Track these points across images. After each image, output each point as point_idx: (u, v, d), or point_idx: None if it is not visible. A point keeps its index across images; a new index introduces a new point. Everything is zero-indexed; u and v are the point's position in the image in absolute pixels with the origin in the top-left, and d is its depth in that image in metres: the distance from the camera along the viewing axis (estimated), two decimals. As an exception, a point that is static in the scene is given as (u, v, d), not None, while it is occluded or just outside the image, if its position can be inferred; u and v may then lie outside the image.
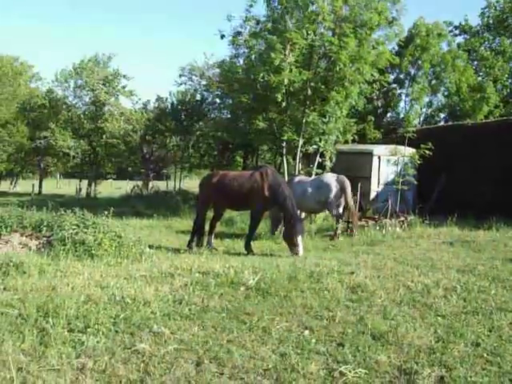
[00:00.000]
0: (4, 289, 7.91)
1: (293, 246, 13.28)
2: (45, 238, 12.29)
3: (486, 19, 36.78)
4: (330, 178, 16.84)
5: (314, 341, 6.07)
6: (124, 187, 45.13)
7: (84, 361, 5.32)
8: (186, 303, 7.20)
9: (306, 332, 6.37)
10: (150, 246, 12.96)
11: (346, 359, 5.58)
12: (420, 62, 29.44)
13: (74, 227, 11.66)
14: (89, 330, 6.07)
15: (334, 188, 16.10)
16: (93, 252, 10.95)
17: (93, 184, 42.01)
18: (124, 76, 41.47)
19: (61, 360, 5.31)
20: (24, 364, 5.21)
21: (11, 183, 54.94)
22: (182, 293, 7.66)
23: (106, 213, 12.96)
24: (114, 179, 62.14)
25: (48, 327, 6.08)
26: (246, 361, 5.48)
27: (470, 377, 5.20)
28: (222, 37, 21.80)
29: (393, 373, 5.32)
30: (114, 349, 5.64)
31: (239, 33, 21.33)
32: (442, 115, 34.93)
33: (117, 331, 6.15)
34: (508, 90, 33.95)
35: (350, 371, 5.26)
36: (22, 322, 6.30)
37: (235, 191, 14.38)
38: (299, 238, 13.37)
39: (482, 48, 35.12)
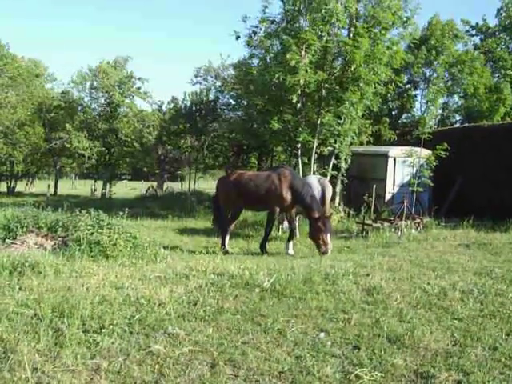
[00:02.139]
0: (20, 289, 7.92)
1: (322, 244, 13.41)
2: (60, 239, 12.36)
3: (502, 19, 36.49)
4: (313, 179, 17.07)
5: (329, 343, 6.03)
6: (139, 188, 45.30)
7: (99, 361, 5.31)
8: (201, 305, 7.17)
9: (322, 334, 6.32)
10: (165, 247, 12.95)
11: (361, 362, 5.53)
12: (435, 62, 29.24)
13: (89, 228, 11.70)
14: (103, 330, 6.06)
15: (315, 190, 16.03)
16: (108, 252, 10.99)
17: (108, 185, 42.12)
18: (139, 78, 41.68)
19: (76, 360, 5.31)
20: (39, 364, 5.20)
21: (27, 184, 55.24)
22: (196, 294, 7.63)
23: (120, 213, 12.98)
24: (128, 180, 62.40)
25: (63, 327, 6.07)
26: (260, 363, 5.45)
27: (488, 381, 5.13)
28: (238, 38, 21.81)
29: (409, 376, 5.26)
30: (128, 350, 5.63)
31: (254, 33, 21.34)
32: (458, 117, 34.75)
33: (131, 332, 6.14)
34: (525, 92, 33.63)
35: (365, 374, 5.21)
36: (37, 322, 6.29)
37: (252, 191, 14.41)
38: (328, 237, 13.53)
39: (499, 49, 34.82)
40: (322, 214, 13.97)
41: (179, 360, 5.44)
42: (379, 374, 5.22)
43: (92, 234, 11.50)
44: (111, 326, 6.17)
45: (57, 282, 8.24)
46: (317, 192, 15.92)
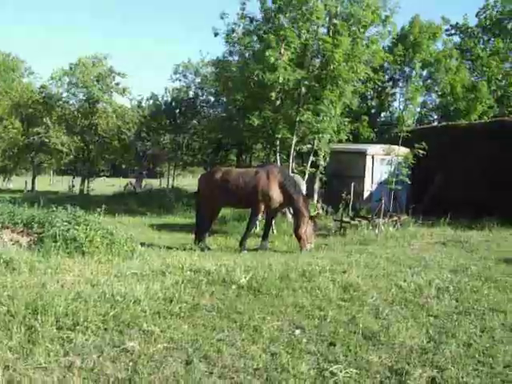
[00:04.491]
0: (-7, 285, 7.84)
1: (306, 242, 13.63)
2: (36, 235, 12.18)
3: (482, 20, 36.80)
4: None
5: (305, 340, 6.02)
6: (117, 185, 45.03)
7: (72, 359, 5.24)
8: (177, 301, 7.12)
9: (298, 331, 6.32)
10: (142, 244, 12.87)
11: (337, 359, 5.53)
12: (414, 61, 29.39)
13: (65, 224, 11.55)
14: (77, 327, 5.99)
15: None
16: (84, 249, 10.85)
17: (86, 181, 41.79)
18: (118, 74, 41.30)
19: (48, 358, 5.24)
20: (11, 362, 5.12)
21: (4, 180, 54.64)
22: (172, 291, 7.57)
23: (98, 210, 12.87)
24: (107, 177, 62.00)
25: (36, 324, 5.99)
26: (236, 360, 5.42)
27: (462, 377, 5.15)
28: (216, 35, 21.77)
29: (384, 373, 5.26)
30: (102, 347, 5.57)
31: (233, 30, 21.29)
32: (436, 115, 34.96)
33: (106, 329, 6.08)
34: (502, 91, 33.91)
35: (340, 371, 5.20)
36: (10, 319, 6.19)
37: (239, 189, 14.29)
38: (313, 236, 13.85)
39: (477, 48, 35.09)
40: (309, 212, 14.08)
41: (154, 357, 5.40)
42: (354, 371, 5.23)
43: (68, 230, 11.35)
44: (85, 323, 6.10)
45: (31, 279, 8.14)
46: None
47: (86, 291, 7.33)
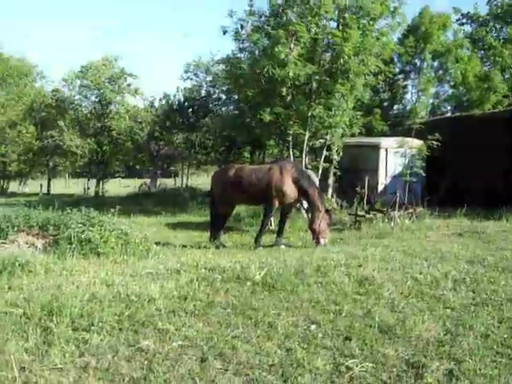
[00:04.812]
0: (9, 288, 7.88)
1: (321, 237, 13.65)
2: (51, 237, 12.25)
3: (493, 8, 36.45)
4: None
5: (320, 335, 5.98)
6: (132, 185, 45.20)
7: (87, 359, 5.25)
8: (191, 299, 7.12)
9: (313, 326, 6.28)
10: (157, 243, 12.92)
11: (352, 353, 5.48)
12: (425, 52, 29.18)
13: (79, 225, 11.61)
14: (93, 328, 6.00)
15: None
16: (99, 250, 10.93)
17: (101, 183, 41.97)
18: (130, 75, 41.42)
19: (64, 359, 5.25)
20: (27, 363, 5.15)
21: (20, 184, 55.01)
22: (187, 289, 7.57)
23: (112, 210, 12.91)
24: (122, 178, 62.22)
25: (52, 326, 6.02)
26: (251, 357, 5.40)
27: (480, 369, 5.09)
28: (225, 33, 21.79)
29: (400, 366, 5.22)
30: (117, 347, 5.57)
31: (242, 27, 21.28)
32: (449, 106, 34.74)
33: (121, 329, 6.08)
34: (516, 80, 33.61)
35: (356, 365, 5.17)
36: (26, 321, 6.24)
37: (253, 186, 14.26)
38: (328, 230, 13.91)
39: (489, 37, 34.74)
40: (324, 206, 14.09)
41: (168, 355, 5.39)
42: (370, 365, 5.19)
43: (83, 231, 11.42)
44: (100, 324, 6.12)
45: (47, 281, 8.20)
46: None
47: (101, 292, 7.35)
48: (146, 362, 5.22)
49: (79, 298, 6.89)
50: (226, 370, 5.10)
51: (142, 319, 6.33)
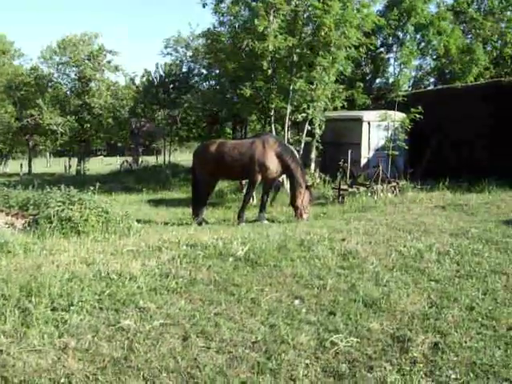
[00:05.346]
0: (-13, 269, 7.72)
1: (303, 212, 13.67)
2: (31, 217, 12.03)
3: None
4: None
5: (304, 310, 5.91)
6: (114, 163, 44.88)
7: (67, 340, 5.13)
8: (173, 277, 7.01)
9: (297, 302, 6.21)
10: (139, 221, 12.78)
11: (337, 328, 5.41)
12: (408, 25, 28.95)
13: (59, 204, 11.41)
14: (72, 308, 5.86)
15: None
16: (79, 229, 10.73)
17: (82, 161, 41.58)
18: (110, 51, 40.89)
19: (43, 340, 5.12)
20: (4, 346, 5.00)
21: (0, 164, 54.38)
22: (169, 266, 7.46)
23: (91, 189, 12.72)
24: (104, 156, 61.81)
25: (31, 307, 5.85)
26: (234, 334, 5.31)
27: (465, 342, 5.05)
28: (204, 5, 21.50)
29: (385, 341, 5.16)
30: (97, 326, 5.45)
31: (221, 0, 20.96)
32: (432, 79, 34.66)
33: (101, 308, 5.95)
34: (498, 52, 33.51)
35: (341, 340, 5.10)
36: (4, 302, 6.05)
37: (235, 161, 14.09)
38: (309, 205, 13.94)
39: (471, 9, 34.57)
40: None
41: (150, 334, 5.29)
42: (355, 340, 5.12)
43: (63, 210, 11.21)
44: (80, 303, 5.98)
45: (26, 261, 8.01)
46: None
47: (81, 271, 7.21)
48: (126, 342, 5.11)
49: (59, 278, 6.75)
50: (209, 348, 5.01)
51: (123, 298, 6.21)
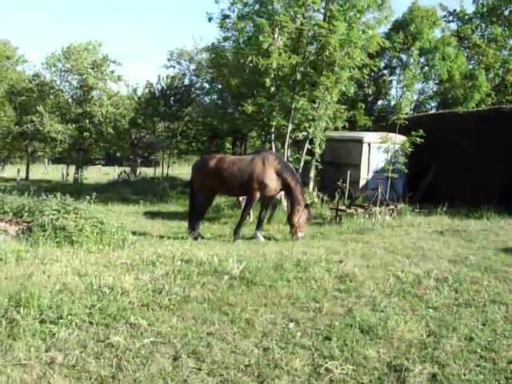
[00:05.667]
0: (-23, 277, 7.55)
1: (298, 231, 13.52)
2: (25, 224, 11.88)
3: (479, 7, 36.34)
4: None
5: (299, 334, 5.78)
6: (112, 173, 44.71)
7: (53, 354, 4.98)
8: (167, 293, 6.86)
9: (291, 324, 6.07)
10: (134, 233, 12.61)
11: (332, 354, 5.27)
12: (412, 48, 29.00)
13: (54, 212, 11.27)
14: (61, 321, 5.72)
15: None
16: (73, 238, 10.57)
17: (80, 169, 41.42)
18: (113, 61, 40.94)
19: (29, 354, 4.98)
20: (-11, 359, 4.87)
21: (-2, 168, 54.15)
22: (162, 282, 7.31)
23: (87, 198, 12.57)
24: (102, 165, 61.65)
25: (18, 318, 5.70)
26: (226, 356, 5.17)
27: (464, 374, 4.92)
28: (210, 20, 21.42)
29: (382, 369, 5.02)
30: (86, 341, 5.31)
31: (227, 16, 20.92)
32: (433, 103, 34.68)
33: (91, 322, 5.81)
34: (500, 79, 33.58)
35: (336, 367, 4.97)
36: (-8, 312, 5.93)
37: (234, 177, 13.95)
38: (305, 225, 13.83)
39: (475, 35, 34.69)
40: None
41: (139, 352, 5.15)
42: (351, 367, 4.99)
43: (57, 219, 11.07)
44: (70, 316, 5.84)
45: (17, 269, 7.87)
46: None
47: (73, 282, 7.06)
48: (115, 359, 4.96)
49: (49, 289, 6.62)
50: (200, 370, 4.87)
51: (114, 313, 6.06)
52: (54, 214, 11.20)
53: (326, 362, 5.06)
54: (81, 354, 5.02)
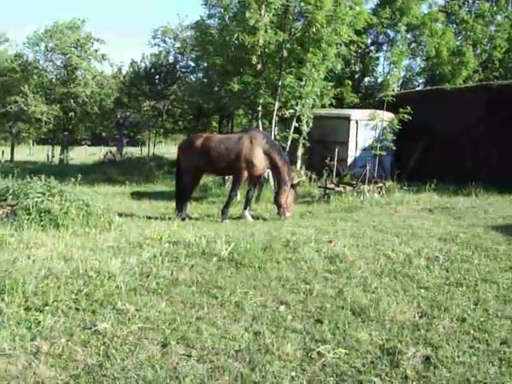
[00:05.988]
0: (-41, 263, 7.39)
1: (286, 211, 13.41)
2: (9, 208, 11.67)
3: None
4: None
5: (290, 317, 5.68)
6: (98, 153, 44.36)
7: (39, 343, 4.84)
8: (154, 276, 6.74)
9: (282, 307, 5.97)
10: (121, 215, 12.47)
11: (324, 338, 5.18)
12: (400, 24, 28.78)
13: (38, 195, 11.07)
14: (47, 308, 5.58)
15: None
16: (59, 222, 10.38)
17: (65, 150, 41.03)
18: (97, 40, 40.36)
19: (13, 343, 4.83)
20: (-28, 349, 4.72)
21: (-19, 151, 53.50)
22: (150, 265, 7.19)
23: (72, 180, 12.38)
24: (88, 145, 61.16)
25: (3, 306, 5.55)
26: (216, 341, 5.06)
27: (458, 356, 4.83)
28: (195, -4, 21.13)
29: (375, 352, 4.93)
30: (72, 329, 5.17)
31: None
32: (421, 80, 34.58)
33: (77, 309, 5.67)
34: (487, 55, 33.50)
35: (328, 351, 4.87)
36: (-25, 300, 5.78)
37: (221, 156, 13.77)
38: (293, 204, 13.69)
39: (462, 11, 34.50)
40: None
41: (127, 339, 5.02)
42: (343, 351, 4.89)
43: (42, 202, 10.88)
44: (55, 303, 5.70)
45: (2, 255, 7.67)
46: None
47: (59, 267, 6.91)
48: (102, 347, 4.84)
49: (34, 275, 6.45)
50: (189, 357, 4.75)
51: (101, 298, 5.94)
52: (38, 197, 10.99)
53: (318, 346, 4.96)
54: (67, 343, 4.88)
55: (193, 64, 36.98)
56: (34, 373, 4.37)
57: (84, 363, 4.56)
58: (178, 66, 38.45)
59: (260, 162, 13.53)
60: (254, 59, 18.92)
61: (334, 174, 18.47)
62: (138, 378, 4.37)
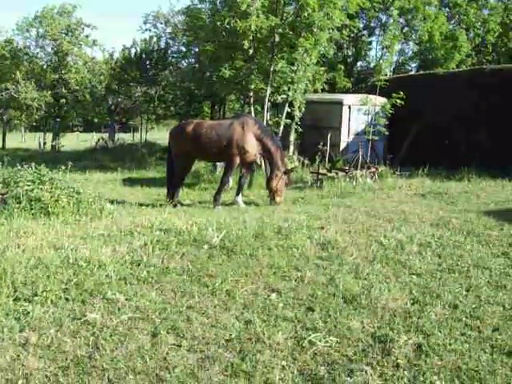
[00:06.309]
0: None
1: (278, 196, 13.43)
2: (0, 196, 11.61)
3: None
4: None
5: (281, 305, 5.64)
6: (90, 140, 44.14)
7: (28, 335, 4.79)
8: (145, 265, 6.69)
9: (273, 295, 5.93)
10: (112, 202, 12.41)
11: (315, 326, 5.15)
12: (392, 8, 28.62)
13: (28, 183, 10.97)
14: (36, 298, 5.53)
15: None
16: (49, 210, 10.29)
17: (57, 137, 40.78)
18: (88, 25, 39.99)
19: (2, 335, 4.79)
20: (-40, 341, 4.68)
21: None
22: (140, 253, 7.12)
23: (63, 168, 12.28)
24: (80, 132, 60.86)
25: (-9, 296, 5.53)
26: (206, 330, 5.02)
27: (450, 344, 4.81)
28: (186, -20, 20.95)
29: (366, 341, 4.90)
30: (62, 320, 5.13)
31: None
32: (414, 64, 34.48)
33: (67, 299, 5.62)
34: (480, 39, 33.42)
35: (320, 340, 4.84)
36: (-37, 291, 5.72)
37: (213, 142, 13.69)
38: (284, 190, 13.65)
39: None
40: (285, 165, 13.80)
41: (117, 330, 4.98)
42: (334, 340, 4.86)
43: (32, 190, 10.79)
44: (45, 293, 5.64)
45: (-9, 244, 7.61)
46: None
47: (48, 256, 6.84)
48: (92, 338, 4.79)
49: (24, 264, 6.40)
50: (180, 346, 4.72)
51: (91, 288, 5.88)
52: (28, 185, 10.90)
53: (309, 335, 4.93)
54: (56, 333, 4.84)
55: (184, 49, 36.74)
56: (23, 365, 4.34)
57: (73, 354, 4.52)
58: (169, 52, 38.20)
59: (252, 147, 13.46)
60: (246, 44, 18.76)
61: (327, 159, 18.41)
62: (127, 369, 4.34)
